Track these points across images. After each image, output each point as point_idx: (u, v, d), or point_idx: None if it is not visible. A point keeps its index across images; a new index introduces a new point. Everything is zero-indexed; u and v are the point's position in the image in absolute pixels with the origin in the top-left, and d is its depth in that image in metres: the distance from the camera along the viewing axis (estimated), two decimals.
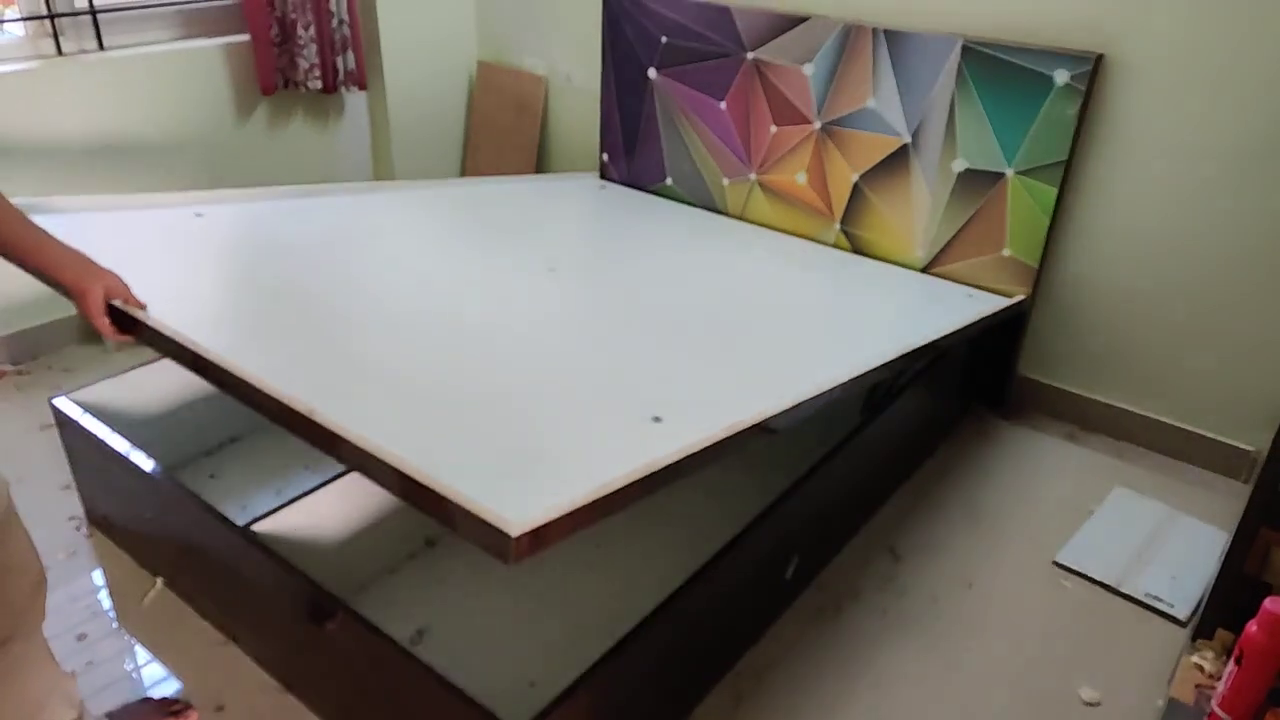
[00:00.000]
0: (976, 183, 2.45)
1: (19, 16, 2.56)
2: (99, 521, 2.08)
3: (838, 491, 1.96)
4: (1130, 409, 2.51)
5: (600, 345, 1.86)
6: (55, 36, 2.57)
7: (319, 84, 3.05)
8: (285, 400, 1.34)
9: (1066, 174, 2.32)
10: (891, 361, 1.85)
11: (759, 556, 1.69)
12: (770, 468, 1.89)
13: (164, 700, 1.66)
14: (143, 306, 1.54)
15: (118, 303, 1.49)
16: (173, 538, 1.83)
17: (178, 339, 1.48)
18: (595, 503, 1.16)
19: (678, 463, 1.28)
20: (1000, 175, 2.40)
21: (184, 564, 1.84)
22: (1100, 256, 2.41)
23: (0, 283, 2.56)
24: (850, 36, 2.52)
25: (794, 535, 1.81)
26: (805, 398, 1.58)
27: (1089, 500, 2.30)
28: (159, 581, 1.94)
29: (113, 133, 2.68)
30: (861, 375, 1.76)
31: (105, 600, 1.93)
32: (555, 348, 1.80)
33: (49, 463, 2.15)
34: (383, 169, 3.46)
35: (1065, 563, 2.08)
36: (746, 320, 2.09)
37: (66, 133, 2.59)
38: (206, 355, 1.44)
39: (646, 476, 1.23)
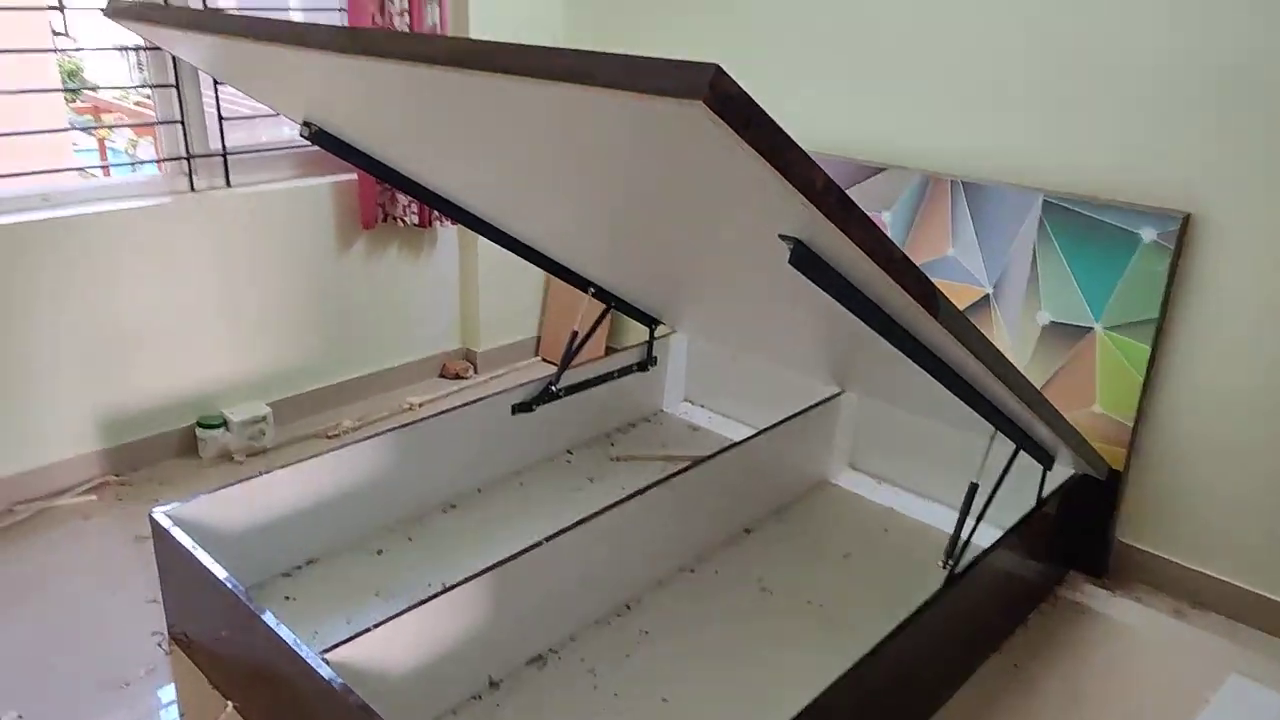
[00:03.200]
0: (1063, 336, 2.42)
1: (160, 158, 2.81)
2: (179, 639, 2.13)
3: (912, 665, 1.88)
4: (1243, 585, 2.35)
5: None
6: (190, 175, 2.82)
7: (415, 219, 3.24)
8: None
9: (1159, 332, 2.28)
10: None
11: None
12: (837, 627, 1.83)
13: None
14: None
15: None
16: (247, 660, 1.85)
17: None
18: None
19: None
20: (1088, 330, 2.37)
21: (256, 689, 1.86)
22: (1199, 417, 2.32)
23: (106, 397, 2.73)
24: (929, 187, 2.57)
25: (866, 713, 1.73)
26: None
27: (1203, 687, 2.12)
28: (229, 705, 1.96)
29: (235, 258, 2.88)
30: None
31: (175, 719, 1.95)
32: None
33: (140, 574, 2.22)
34: (469, 298, 3.61)
35: None
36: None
37: (195, 258, 2.79)
38: None
39: None
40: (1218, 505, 2.34)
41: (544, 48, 0.93)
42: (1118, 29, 2.23)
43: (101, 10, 1.67)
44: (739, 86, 0.85)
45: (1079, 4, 2.27)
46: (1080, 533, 2.49)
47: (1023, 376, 1.65)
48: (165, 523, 1.99)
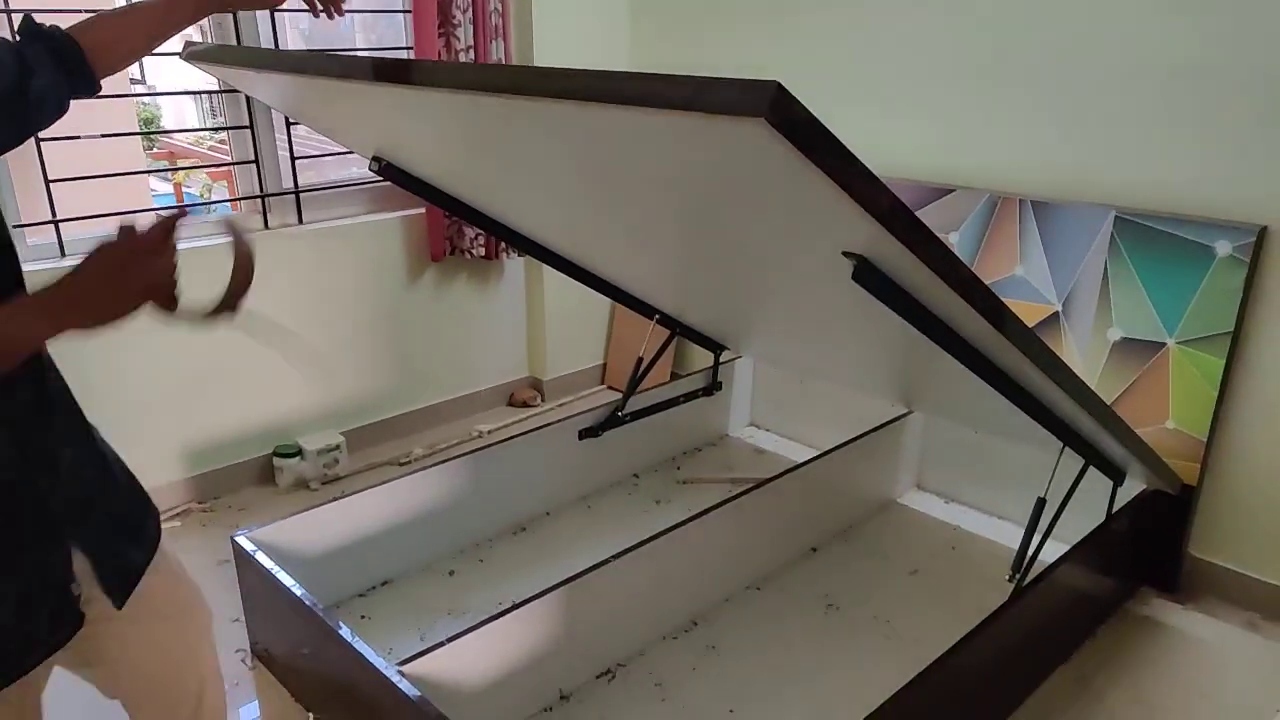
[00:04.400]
0: (1135, 352, 2.38)
1: (234, 197, 2.95)
2: (262, 655, 2.20)
3: (976, 676, 1.85)
4: None
5: None
6: (264, 213, 2.94)
7: (482, 251, 3.32)
8: None
9: (1234, 346, 2.23)
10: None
11: None
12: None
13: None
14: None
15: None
16: (326, 675, 1.91)
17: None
18: None
19: None
20: (1161, 345, 2.33)
21: (335, 701, 1.92)
22: (1274, 429, 2.26)
23: (189, 429, 2.85)
24: (996, 207, 2.56)
25: (942, 699, 1.72)
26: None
27: (1275, 700, 2.07)
28: (311, 717, 2.02)
29: (308, 292, 2.99)
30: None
31: None
32: None
33: (224, 596, 2.31)
34: (535, 327, 3.68)
35: None
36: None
37: (271, 293, 2.91)
38: None
39: None
40: None
41: (605, 72, 0.96)
42: (1188, 40, 2.20)
43: (178, 54, 1.75)
44: (798, 103, 0.88)
45: (1146, 16, 2.26)
46: (1151, 547, 2.43)
47: (1092, 392, 1.63)
48: (248, 546, 2.07)
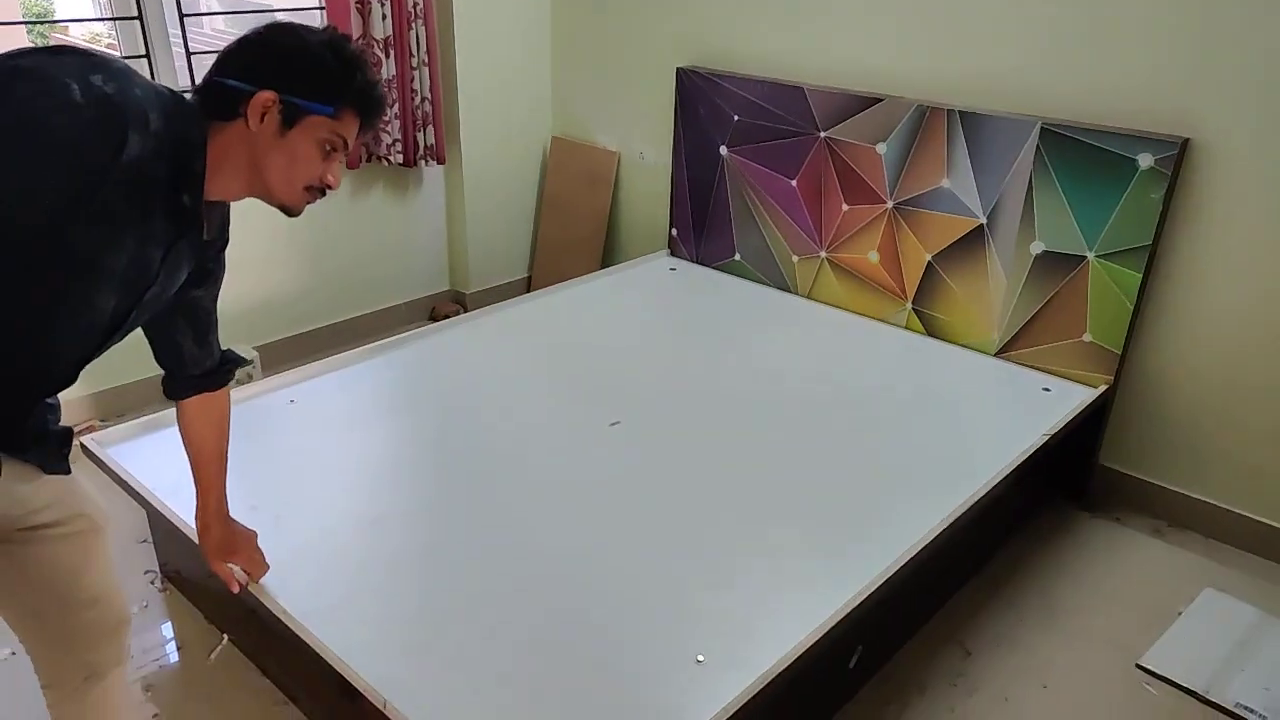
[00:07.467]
0: (1055, 265, 2.40)
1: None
2: (172, 577, 2.13)
3: (905, 581, 1.89)
4: (1223, 505, 2.38)
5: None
6: None
7: (400, 158, 3.17)
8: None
9: (1152, 259, 2.26)
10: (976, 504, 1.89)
11: (822, 645, 1.64)
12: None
13: None
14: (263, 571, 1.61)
15: (237, 571, 1.58)
16: (236, 598, 1.85)
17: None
18: None
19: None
20: (1081, 259, 2.35)
21: (248, 624, 1.87)
22: (1188, 343, 2.32)
23: None
24: (925, 118, 2.52)
25: (859, 624, 1.75)
26: (894, 570, 1.68)
27: (1177, 601, 2.17)
28: (225, 638, 1.97)
29: None
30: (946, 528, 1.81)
31: (174, 653, 1.96)
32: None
33: (131, 517, 2.22)
34: (457, 239, 3.56)
35: (1149, 666, 1.97)
36: (820, 460, 2.08)
37: None
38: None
39: None
40: (1203, 429, 2.36)
41: None
42: None
43: None
44: None
45: None
46: (1064, 459, 2.50)
47: None
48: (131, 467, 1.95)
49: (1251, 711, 1.85)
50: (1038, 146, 2.34)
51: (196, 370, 1.42)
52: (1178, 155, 2.15)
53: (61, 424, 1.25)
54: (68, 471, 1.24)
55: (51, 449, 1.21)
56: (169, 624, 2.04)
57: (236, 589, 1.57)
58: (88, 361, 1.19)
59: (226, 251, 1.35)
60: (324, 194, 1.25)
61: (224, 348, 1.47)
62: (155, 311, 1.26)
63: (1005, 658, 1.99)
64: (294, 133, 1.16)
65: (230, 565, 1.56)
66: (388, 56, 3.02)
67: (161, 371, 1.44)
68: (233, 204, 1.29)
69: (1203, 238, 2.23)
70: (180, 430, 1.47)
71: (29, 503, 1.20)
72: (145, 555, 2.20)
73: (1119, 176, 2.24)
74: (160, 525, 2.06)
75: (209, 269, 1.32)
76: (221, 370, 1.46)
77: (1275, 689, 1.90)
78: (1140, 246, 2.25)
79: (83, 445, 2.04)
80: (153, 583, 2.15)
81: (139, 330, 1.32)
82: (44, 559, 1.25)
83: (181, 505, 1.76)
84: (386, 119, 3.08)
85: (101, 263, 1.06)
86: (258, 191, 1.21)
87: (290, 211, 1.25)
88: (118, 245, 1.07)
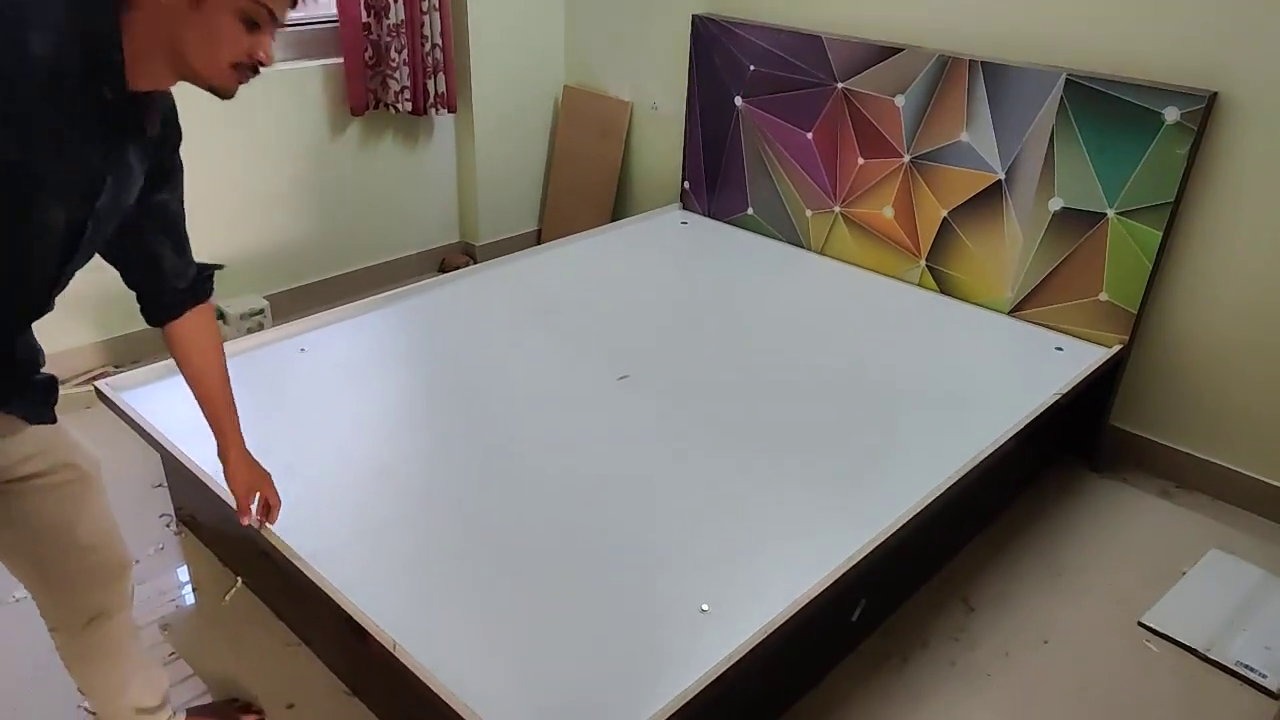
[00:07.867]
0: (1074, 223, 2.37)
1: None
2: (187, 520, 2.16)
3: (910, 535, 1.90)
4: (1231, 467, 2.37)
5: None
6: None
7: (409, 106, 3.14)
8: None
9: (1173, 217, 2.23)
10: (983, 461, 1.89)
11: (825, 596, 1.65)
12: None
13: (244, 704, 1.71)
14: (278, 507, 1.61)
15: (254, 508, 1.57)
16: (250, 541, 1.88)
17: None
18: None
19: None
20: (1100, 216, 2.32)
21: (261, 567, 1.89)
22: (1206, 305, 2.29)
23: (100, 291, 2.69)
24: (946, 69, 2.47)
25: (863, 577, 1.76)
26: (900, 524, 1.69)
27: (1181, 561, 2.18)
28: (239, 580, 2.00)
29: (219, 141, 2.80)
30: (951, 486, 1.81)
31: (189, 595, 2.00)
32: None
33: (145, 461, 2.24)
34: (467, 190, 3.54)
35: (1151, 624, 1.98)
36: (828, 416, 2.07)
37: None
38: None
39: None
40: (1215, 392, 2.34)
41: None
42: None
43: None
44: None
45: None
46: (1075, 419, 2.49)
47: None
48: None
49: (1252, 670, 1.86)
50: (1061, 99, 2.29)
51: (181, 283, 1.40)
52: (1205, 110, 2.10)
53: (46, 372, 1.22)
54: (53, 420, 1.22)
55: (36, 398, 1.19)
56: (184, 567, 2.07)
57: (246, 522, 1.56)
58: (57, 285, 1.15)
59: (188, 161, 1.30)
60: (256, 72, 1.14)
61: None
62: (118, 224, 1.21)
63: (1008, 614, 2.00)
64: (207, 5, 1.06)
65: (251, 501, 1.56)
66: (396, 1, 2.97)
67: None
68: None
69: (1227, 196, 2.19)
70: (180, 367, 1.46)
71: (14, 453, 1.20)
72: (161, 499, 2.23)
73: (1144, 131, 2.19)
74: (174, 469, 2.09)
75: (166, 169, 1.26)
76: (203, 278, 1.44)
77: (1276, 648, 1.91)
78: (1162, 204, 2.22)
79: (97, 390, 2.06)
80: (168, 526, 2.18)
81: None
82: (35, 509, 1.25)
83: (196, 449, 1.78)
84: (395, 65, 3.04)
85: (32, 169, 1.00)
86: (185, 74, 1.12)
87: (221, 94, 1.15)
88: (44, 149, 1.01)
